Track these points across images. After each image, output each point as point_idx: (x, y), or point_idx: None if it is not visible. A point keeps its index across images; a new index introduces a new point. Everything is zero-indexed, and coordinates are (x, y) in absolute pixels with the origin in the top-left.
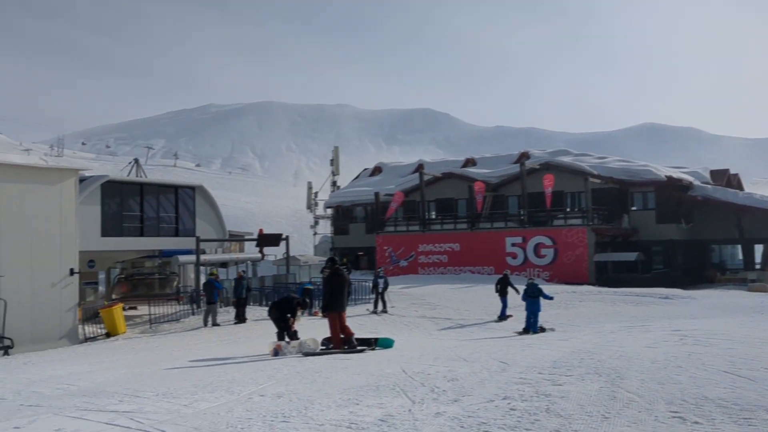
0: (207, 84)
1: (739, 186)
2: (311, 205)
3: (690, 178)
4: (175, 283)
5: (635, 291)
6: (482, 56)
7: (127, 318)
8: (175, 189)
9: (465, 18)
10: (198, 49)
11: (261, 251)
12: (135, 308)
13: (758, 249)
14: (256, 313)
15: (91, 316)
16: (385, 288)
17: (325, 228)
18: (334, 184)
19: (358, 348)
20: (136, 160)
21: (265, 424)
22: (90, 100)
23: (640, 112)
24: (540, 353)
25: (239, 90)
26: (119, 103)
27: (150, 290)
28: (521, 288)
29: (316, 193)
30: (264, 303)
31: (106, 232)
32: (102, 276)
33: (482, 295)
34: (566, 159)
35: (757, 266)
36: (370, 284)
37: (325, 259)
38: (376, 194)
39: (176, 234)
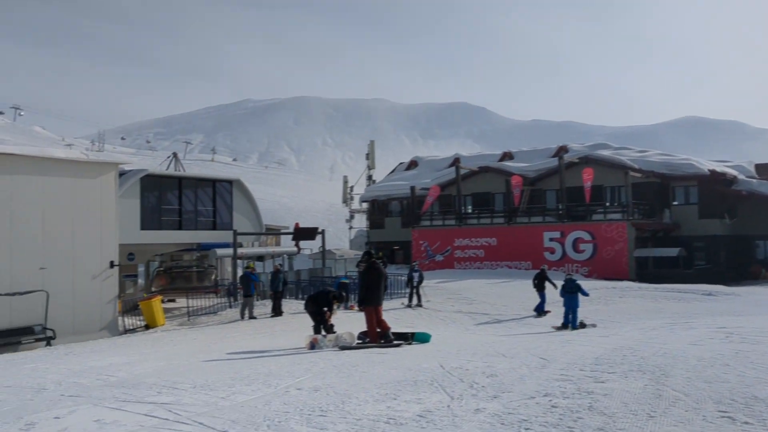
0: (244, 80)
1: None
2: (347, 199)
3: (734, 172)
4: (213, 276)
5: (677, 287)
6: (519, 49)
7: (166, 310)
8: (212, 183)
9: (502, 10)
10: (236, 46)
11: (297, 245)
12: (173, 301)
13: None
14: (293, 306)
15: (130, 308)
16: (420, 282)
17: (361, 222)
18: (369, 178)
19: (395, 342)
20: (175, 155)
21: (302, 417)
22: (130, 96)
23: (682, 105)
24: (581, 350)
25: (275, 85)
26: (159, 99)
27: (188, 283)
28: (559, 283)
29: (351, 188)
30: (300, 296)
31: (145, 226)
32: (141, 269)
33: (519, 290)
34: (606, 152)
35: None
36: (405, 278)
37: (361, 253)
38: (412, 188)
39: (214, 227)
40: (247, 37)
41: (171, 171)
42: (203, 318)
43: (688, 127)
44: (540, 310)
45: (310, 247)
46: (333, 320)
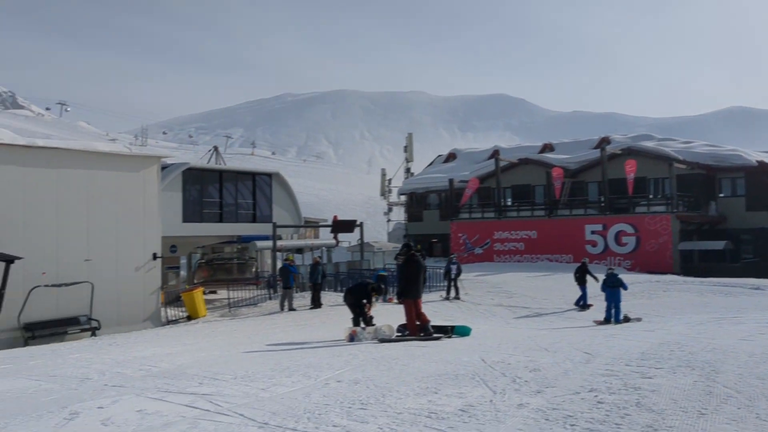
0: (283, 74)
1: None
2: (385, 192)
3: None
4: (253, 268)
5: (723, 281)
6: (559, 40)
7: (207, 302)
8: (252, 176)
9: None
10: (276, 41)
11: (335, 237)
12: (215, 292)
13: None
14: (331, 298)
15: (173, 299)
16: (458, 274)
17: (399, 215)
18: (407, 170)
19: (435, 335)
20: (216, 148)
21: (342, 410)
22: (172, 92)
23: (729, 95)
24: (626, 344)
25: (314, 79)
26: (200, 94)
27: (229, 275)
28: (600, 276)
29: (389, 180)
30: (339, 289)
31: (187, 218)
32: (183, 261)
33: (561, 283)
34: (649, 144)
35: None
36: (443, 271)
37: (399, 245)
38: (451, 181)
39: (254, 220)
40: (286, 32)
41: (212, 164)
42: (244, 309)
43: (735, 118)
44: (582, 304)
45: (348, 239)
46: (372, 312)
